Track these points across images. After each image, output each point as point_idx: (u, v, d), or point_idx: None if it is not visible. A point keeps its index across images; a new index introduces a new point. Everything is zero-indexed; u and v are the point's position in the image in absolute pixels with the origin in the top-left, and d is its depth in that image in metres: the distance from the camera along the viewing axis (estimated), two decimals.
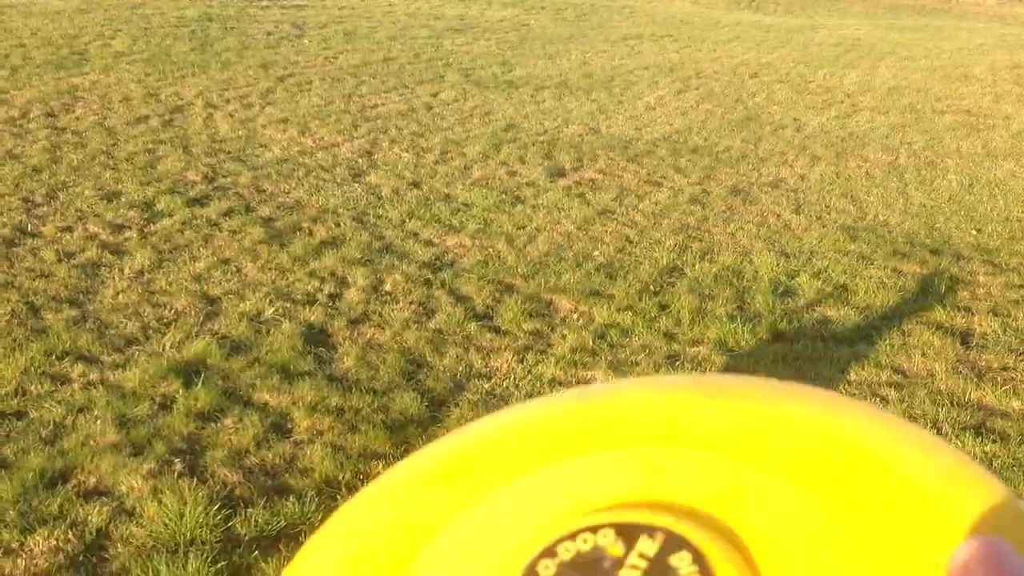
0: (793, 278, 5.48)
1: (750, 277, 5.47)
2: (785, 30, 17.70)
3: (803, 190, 7.32)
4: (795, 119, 9.91)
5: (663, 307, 4.99)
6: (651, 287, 5.23)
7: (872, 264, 5.78)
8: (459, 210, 6.37)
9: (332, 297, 4.90)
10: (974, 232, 6.51)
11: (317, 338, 4.45)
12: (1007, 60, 14.88)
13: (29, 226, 5.52)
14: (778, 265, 5.64)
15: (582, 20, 17.41)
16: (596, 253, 5.73)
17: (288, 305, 4.76)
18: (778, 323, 4.86)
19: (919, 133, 9.53)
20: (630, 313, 4.88)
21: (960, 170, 8.19)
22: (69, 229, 5.53)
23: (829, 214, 6.76)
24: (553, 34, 15.27)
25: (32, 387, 3.82)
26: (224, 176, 6.74)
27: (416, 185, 6.88)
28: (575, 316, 4.85)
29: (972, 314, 5.09)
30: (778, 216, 6.65)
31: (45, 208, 5.84)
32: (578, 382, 4.17)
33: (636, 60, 13.28)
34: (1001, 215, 6.94)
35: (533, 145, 8.19)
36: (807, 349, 4.60)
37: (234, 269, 5.16)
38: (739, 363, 4.41)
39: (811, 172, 7.85)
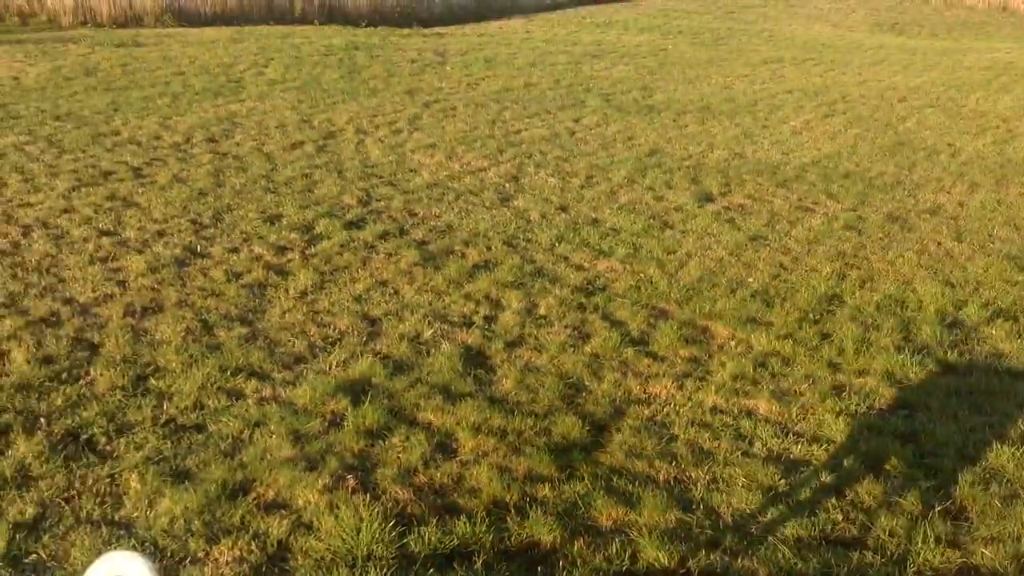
0: (960, 309, 5.27)
1: (915, 307, 5.29)
2: (932, 53, 17.15)
3: (963, 217, 7.05)
4: (949, 144, 9.57)
5: (824, 336, 4.86)
6: (810, 315, 5.11)
7: None
8: (608, 235, 6.37)
9: (487, 319, 4.95)
10: None
11: (476, 360, 4.50)
12: None
13: (199, 247, 5.77)
14: (943, 295, 5.43)
15: (720, 44, 17.25)
16: (750, 279, 5.64)
17: (445, 327, 4.83)
18: (948, 355, 4.67)
19: None
20: (790, 341, 4.77)
21: None
22: (236, 250, 5.75)
23: (993, 243, 6.49)
24: (692, 58, 15.17)
25: (209, 401, 3.97)
26: (378, 200, 6.91)
27: (563, 209, 6.91)
28: (733, 343, 4.77)
29: None
30: (939, 244, 6.42)
31: (212, 230, 6.08)
32: (740, 411, 4.09)
33: (779, 84, 13.07)
34: None
35: (679, 170, 8.13)
36: (981, 383, 4.41)
37: (392, 290, 5.27)
38: (909, 396, 4.26)
39: (970, 199, 7.56)
